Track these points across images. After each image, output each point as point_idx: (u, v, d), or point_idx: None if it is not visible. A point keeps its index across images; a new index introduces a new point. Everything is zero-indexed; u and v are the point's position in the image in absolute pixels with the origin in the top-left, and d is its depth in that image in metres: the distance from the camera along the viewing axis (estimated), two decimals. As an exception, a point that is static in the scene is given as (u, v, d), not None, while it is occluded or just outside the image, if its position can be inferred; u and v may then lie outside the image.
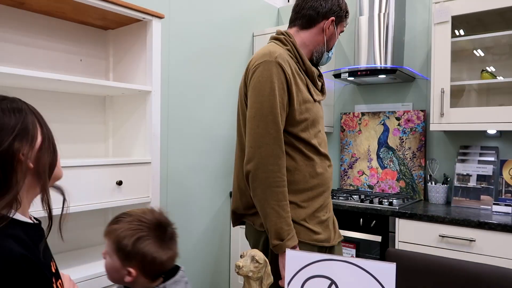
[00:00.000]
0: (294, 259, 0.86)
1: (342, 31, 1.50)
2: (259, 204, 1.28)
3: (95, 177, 1.57)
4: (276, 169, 1.25)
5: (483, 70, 2.30)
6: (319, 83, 1.49)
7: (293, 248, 1.28)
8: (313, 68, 1.41)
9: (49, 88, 1.70)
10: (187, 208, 2.51)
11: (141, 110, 1.84)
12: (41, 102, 1.75)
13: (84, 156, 1.91)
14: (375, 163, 2.76)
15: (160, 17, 1.81)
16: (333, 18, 1.41)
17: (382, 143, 2.74)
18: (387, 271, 0.76)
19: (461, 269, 1.12)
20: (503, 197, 2.19)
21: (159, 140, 1.84)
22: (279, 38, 1.40)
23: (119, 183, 1.65)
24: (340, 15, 1.44)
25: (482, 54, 2.41)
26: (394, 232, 2.15)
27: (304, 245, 1.35)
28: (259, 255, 0.87)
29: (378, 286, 0.76)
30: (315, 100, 1.40)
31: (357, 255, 2.31)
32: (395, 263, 0.74)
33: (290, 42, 1.38)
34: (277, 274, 1.28)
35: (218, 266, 2.76)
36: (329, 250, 1.43)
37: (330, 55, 1.48)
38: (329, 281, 0.81)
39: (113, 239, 0.95)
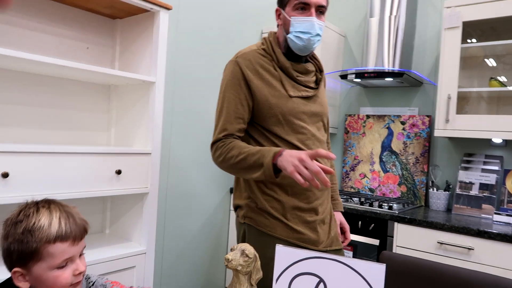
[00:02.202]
0: (283, 255, 0.86)
1: (298, 4, 1.37)
2: (232, 173, 1.38)
3: (94, 165, 1.57)
4: (224, 150, 1.34)
5: (491, 78, 2.28)
6: (308, 78, 1.46)
7: (279, 154, 1.23)
8: (289, 64, 1.40)
9: (54, 74, 1.71)
10: (187, 201, 2.51)
11: (144, 100, 1.85)
12: (46, 87, 1.76)
13: (85, 143, 1.91)
14: (377, 167, 2.74)
15: (168, 8, 1.80)
16: (277, 8, 1.45)
17: (386, 146, 2.72)
18: (376, 271, 0.75)
19: (453, 276, 1.10)
20: (505, 207, 2.16)
21: (161, 132, 1.84)
22: (264, 38, 1.48)
23: (118, 172, 1.65)
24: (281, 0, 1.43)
25: (494, 62, 2.38)
26: (393, 237, 2.13)
27: (282, 243, 1.33)
28: (249, 249, 0.86)
29: (366, 287, 0.75)
30: (291, 96, 1.38)
31: (354, 258, 2.29)
32: (385, 264, 0.73)
33: (268, 41, 1.44)
34: (265, 269, 1.26)
35: (215, 260, 2.76)
36: None
37: (296, 35, 1.38)
38: (318, 279, 0.80)
39: (86, 228, 0.94)
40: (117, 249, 1.74)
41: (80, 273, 0.87)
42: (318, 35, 1.39)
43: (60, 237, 0.83)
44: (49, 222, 0.83)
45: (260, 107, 1.36)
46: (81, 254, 0.90)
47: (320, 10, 1.40)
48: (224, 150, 1.34)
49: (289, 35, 1.40)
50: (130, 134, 1.92)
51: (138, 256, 1.77)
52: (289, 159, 1.19)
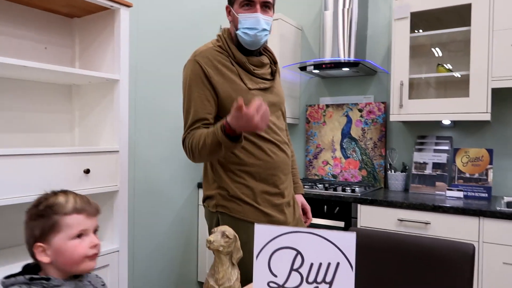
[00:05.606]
0: (262, 233, 0.91)
1: (244, 1, 1.44)
2: (204, 160, 1.43)
3: (62, 165, 1.56)
4: (189, 142, 1.40)
5: (439, 64, 2.44)
6: (264, 70, 1.52)
7: (226, 123, 1.26)
8: (245, 58, 1.46)
9: (13, 75, 1.67)
10: (155, 198, 2.52)
11: (108, 99, 1.84)
12: (5, 90, 1.71)
13: (49, 145, 1.88)
14: (338, 153, 2.86)
15: (128, 5, 1.80)
16: (226, 5, 1.52)
17: (346, 134, 2.85)
18: (348, 239, 0.82)
19: (415, 244, 1.21)
20: (456, 183, 2.34)
21: (127, 129, 1.84)
22: (218, 35, 1.52)
23: (87, 171, 1.64)
24: None
25: (440, 50, 2.54)
26: (357, 218, 2.25)
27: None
28: (229, 230, 0.92)
29: (339, 254, 0.82)
30: (250, 89, 1.45)
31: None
32: (355, 232, 0.81)
33: (223, 38, 1.49)
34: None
35: (187, 255, 2.78)
36: None
37: (243, 31, 1.44)
38: (295, 252, 0.87)
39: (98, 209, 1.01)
40: (89, 248, 1.73)
41: (95, 246, 0.95)
42: (264, 30, 1.45)
43: (75, 210, 0.94)
44: (66, 200, 0.94)
45: (223, 102, 1.43)
46: (95, 232, 0.98)
47: (266, 5, 1.45)
48: (189, 142, 1.39)
49: (238, 32, 1.46)
50: (94, 134, 1.90)
51: (111, 254, 1.77)
52: (240, 123, 1.21)
